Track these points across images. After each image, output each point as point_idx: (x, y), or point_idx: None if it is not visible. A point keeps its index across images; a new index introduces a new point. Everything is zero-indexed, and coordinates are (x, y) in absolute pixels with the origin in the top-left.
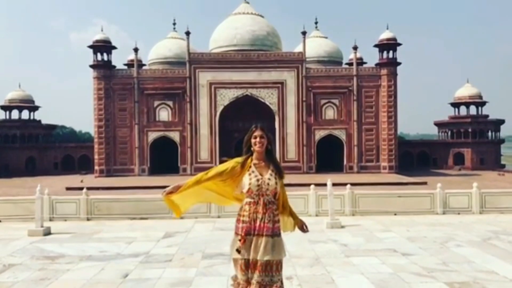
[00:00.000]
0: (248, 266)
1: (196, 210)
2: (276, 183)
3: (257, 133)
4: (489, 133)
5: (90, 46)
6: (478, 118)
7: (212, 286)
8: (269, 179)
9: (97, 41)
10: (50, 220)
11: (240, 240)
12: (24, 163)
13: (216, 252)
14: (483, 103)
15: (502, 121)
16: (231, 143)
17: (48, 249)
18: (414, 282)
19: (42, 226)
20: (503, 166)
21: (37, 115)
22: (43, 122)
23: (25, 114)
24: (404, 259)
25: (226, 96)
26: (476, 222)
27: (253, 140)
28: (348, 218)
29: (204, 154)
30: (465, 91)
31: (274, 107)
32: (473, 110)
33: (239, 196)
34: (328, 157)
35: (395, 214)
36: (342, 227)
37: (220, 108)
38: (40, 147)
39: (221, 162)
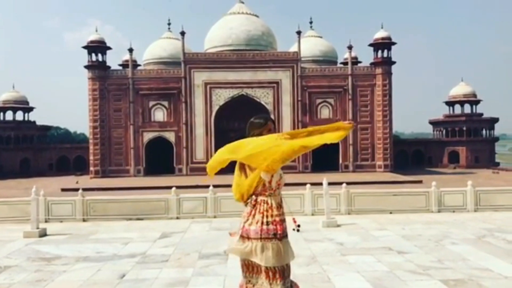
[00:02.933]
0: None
1: (193, 210)
2: None
3: (272, 126)
4: (484, 131)
5: (85, 47)
6: (472, 116)
7: (209, 286)
8: None
9: (91, 41)
10: (46, 221)
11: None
12: (19, 165)
13: (212, 252)
14: (477, 102)
15: (496, 119)
16: (226, 143)
17: (44, 250)
18: (410, 280)
19: (37, 228)
20: (498, 164)
21: (31, 116)
22: (38, 123)
23: (19, 115)
24: (399, 257)
25: (222, 96)
26: (470, 220)
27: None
28: (344, 217)
29: (199, 154)
30: (459, 90)
31: (269, 107)
32: (467, 108)
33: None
34: (323, 156)
35: (391, 213)
36: (338, 226)
37: (215, 108)
38: (34, 148)
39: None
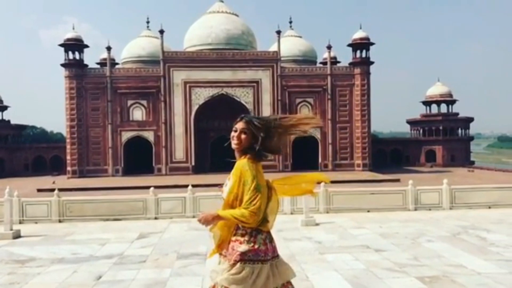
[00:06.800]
0: None
1: (171, 210)
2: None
3: (238, 125)
4: (459, 131)
5: (62, 45)
6: (448, 116)
7: (187, 286)
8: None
9: (68, 39)
10: (20, 222)
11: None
12: None
13: (191, 252)
14: (453, 102)
15: (471, 119)
16: (206, 142)
17: (18, 252)
18: (386, 277)
19: (11, 229)
20: (473, 162)
21: (5, 115)
22: (12, 122)
23: None
24: (376, 255)
25: (201, 95)
26: (446, 217)
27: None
28: (322, 216)
29: (179, 154)
30: (436, 90)
31: (249, 106)
32: (444, 108)
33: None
34: (303, 156)
35: (368, 211)
36: (317, 224)
37: (195, 107)
38: (9, 148)
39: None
